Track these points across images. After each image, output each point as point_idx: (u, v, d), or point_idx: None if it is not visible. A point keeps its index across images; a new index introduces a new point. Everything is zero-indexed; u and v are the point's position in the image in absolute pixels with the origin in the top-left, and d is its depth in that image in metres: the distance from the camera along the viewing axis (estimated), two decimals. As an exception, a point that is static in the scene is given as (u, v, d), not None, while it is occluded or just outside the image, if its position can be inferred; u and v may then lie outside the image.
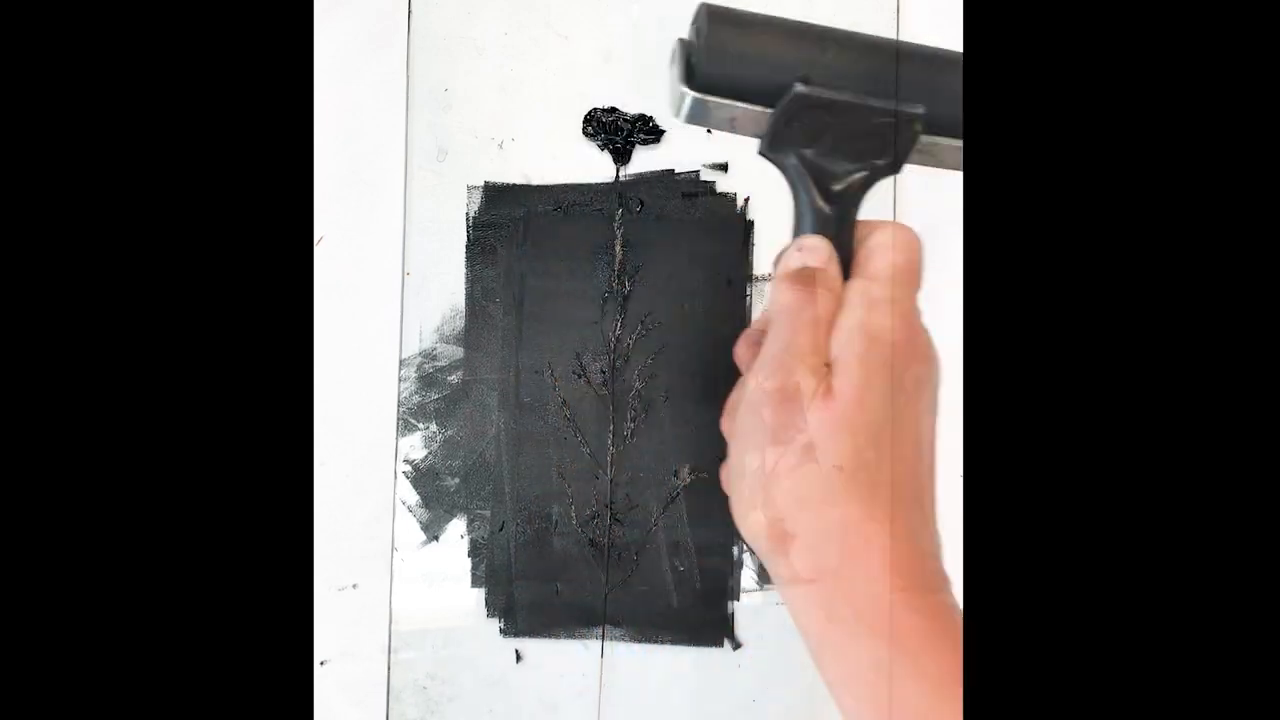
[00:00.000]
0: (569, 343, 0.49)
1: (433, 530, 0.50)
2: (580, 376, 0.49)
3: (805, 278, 0.34)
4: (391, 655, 0.49)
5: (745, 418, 0.34)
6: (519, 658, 0.50)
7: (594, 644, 0.49)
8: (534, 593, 0.49)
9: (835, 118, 0.33)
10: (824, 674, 0.32)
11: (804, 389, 0.33)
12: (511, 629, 0.49)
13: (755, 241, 0.50)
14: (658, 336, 0.49)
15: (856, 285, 0.34)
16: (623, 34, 0.50)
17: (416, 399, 0.50)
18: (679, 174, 0.50)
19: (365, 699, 0.49)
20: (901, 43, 0.36)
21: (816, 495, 0.32)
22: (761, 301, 0.50)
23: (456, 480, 0.50)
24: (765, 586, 0.50)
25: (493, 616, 0.49)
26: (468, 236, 0.50)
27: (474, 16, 0.50)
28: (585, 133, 0.50)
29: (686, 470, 0.49)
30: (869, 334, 0.33)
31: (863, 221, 0.35)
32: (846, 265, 0.35)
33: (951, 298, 0.50)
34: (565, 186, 0.50)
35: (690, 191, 0.50)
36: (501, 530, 0.50)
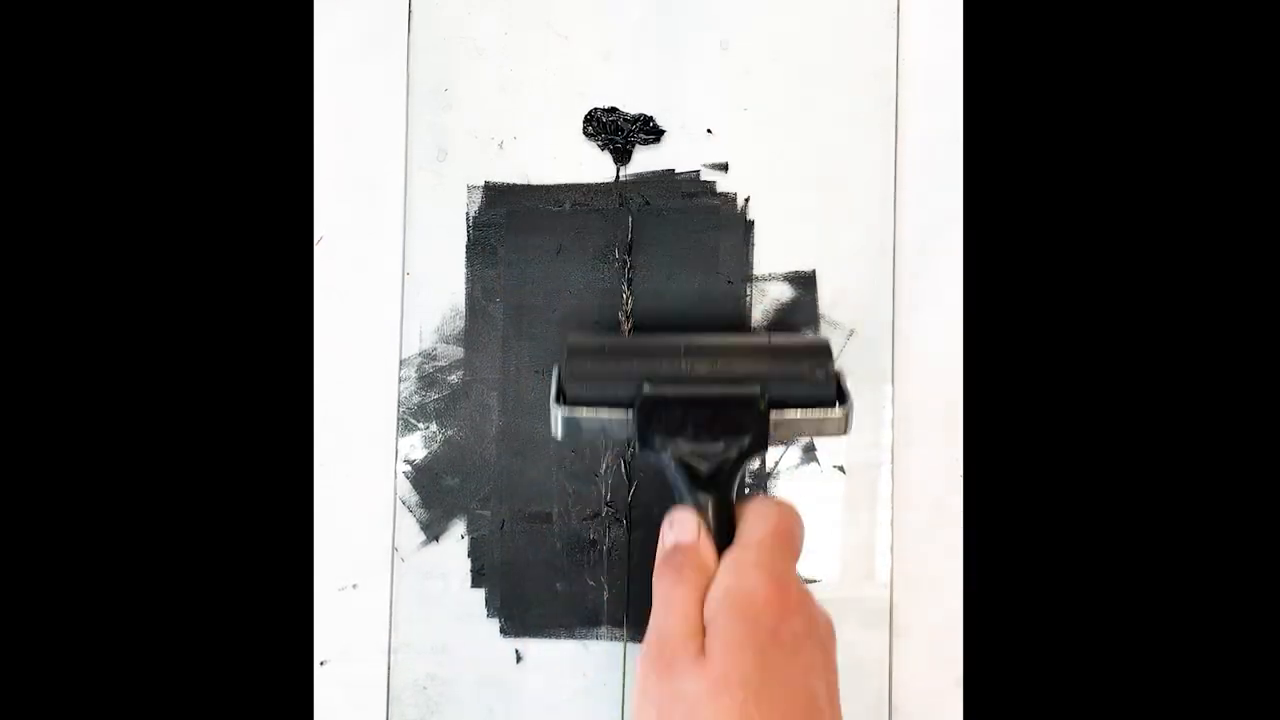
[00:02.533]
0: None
1: (433, 530, 0.50)
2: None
3: (676, 560, 0.37)
4: (391, 655, 0.49)
5: (637, 696, 0.35)
6: (519, 658, 0.50)
7: (594, 644, 0.49)
8: (534, 593, 0.49)
9: (687, 410, 0.38)
10: None
11: (681, 657, 0.34)
12: (511, 629, 0.49)
13: (755, 241, 0.50)
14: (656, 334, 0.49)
15: (728, 554, 0.37)
16: (623, 34, 0.50)
17: (416, 399, 0.50)
18: (679, 174, 0.50)
19: (365, 699, 0.49)
20: (735, 339, 0.41)
21: None
22: (761, 302, 0.50)
23: (456, 480, 0.50)
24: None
25: (493, 616, 0.49)
26: (468, 236, 0.50)
27: (474, 16, 0.50)
28: (585, 133, 0.50)
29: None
30: (736, 597, 0.35)
31: (742, 499, 0.38)
32: (729, 544, 0.38)
33: (951, 298, 0.50)
34: (565, 186, 0.50)
35: (690, 191, 0.50)
36: (502, 530, 0.50)
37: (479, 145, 0.50)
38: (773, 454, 0.50)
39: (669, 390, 0.38)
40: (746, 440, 0.38)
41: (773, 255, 0.50)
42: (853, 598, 0.50)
